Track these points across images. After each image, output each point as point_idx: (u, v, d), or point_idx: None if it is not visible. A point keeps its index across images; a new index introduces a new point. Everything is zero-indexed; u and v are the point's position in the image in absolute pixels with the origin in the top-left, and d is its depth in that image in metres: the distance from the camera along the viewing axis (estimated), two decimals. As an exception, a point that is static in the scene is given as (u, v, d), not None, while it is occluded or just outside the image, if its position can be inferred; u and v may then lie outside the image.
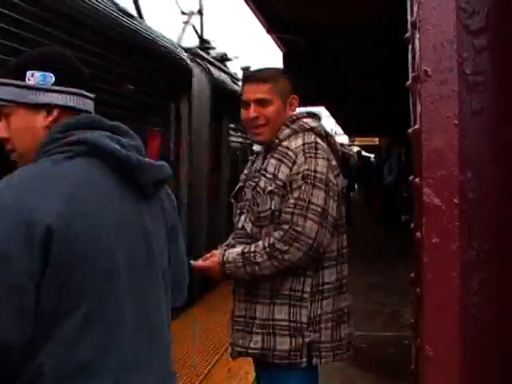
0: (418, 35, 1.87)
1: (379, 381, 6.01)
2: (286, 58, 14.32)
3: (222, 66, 13.16)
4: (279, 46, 15.31)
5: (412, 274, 2.11)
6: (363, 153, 43.73)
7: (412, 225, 2.06)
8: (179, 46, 10.26)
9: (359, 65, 16.56)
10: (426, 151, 1.85)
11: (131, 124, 2.45)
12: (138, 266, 2.09)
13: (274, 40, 14.67)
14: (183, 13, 15.95)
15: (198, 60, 10.60)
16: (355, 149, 50.99)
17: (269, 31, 13.30)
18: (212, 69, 11.17)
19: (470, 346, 1.85)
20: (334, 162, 3.22)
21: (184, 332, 7.62)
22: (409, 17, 2.04)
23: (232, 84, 12.76)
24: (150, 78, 7.96)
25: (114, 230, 2.01)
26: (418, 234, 1.93)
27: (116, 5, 7.19)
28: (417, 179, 1.92)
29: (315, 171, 3.04)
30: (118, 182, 2.09)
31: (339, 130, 54.24)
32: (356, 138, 55.83)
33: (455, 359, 1.85)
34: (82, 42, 5.95)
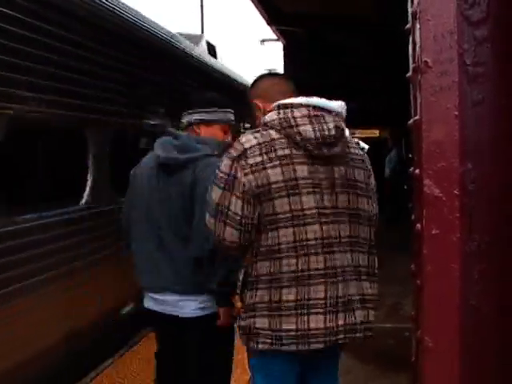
0: (418, 26, 1.86)
1: (378, 372, 6.02)
2: (286, 50, 14.31)
3: None
4: (280, 39, 15.30)
5: (412, 266, 2.11)
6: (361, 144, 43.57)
7: (412, 216, 2.06)
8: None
9: (359, 57, 16.54)
10: (426, 142, 1.84)
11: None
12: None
13: (274, 32, 14.65)
14: None
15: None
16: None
17: (269, 23, 13.29)
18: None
19: (470, 338, 1.85)
20: (279, 153, 3.19)
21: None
22: (409, 8, 2.03)
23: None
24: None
25: (147, 193, 3.96)
26: (418, 225, 1.93)
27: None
28: (417, 170, 1.91)
29: (219, 170, 3.19)
30: (158, 168, 3.93)
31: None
32: (356, 131, 55.69)
33: (455, 350, 1.86)
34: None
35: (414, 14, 1.89)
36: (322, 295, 3.19)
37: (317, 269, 3.18)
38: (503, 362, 1.85)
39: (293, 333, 3.18)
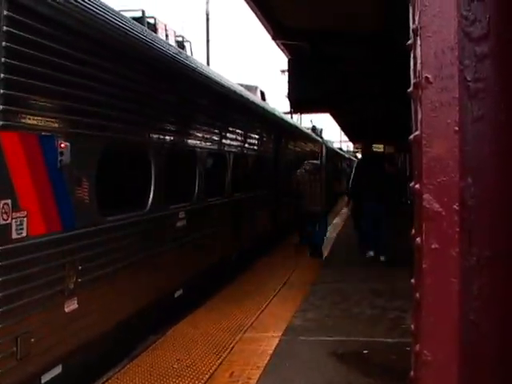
0: (419, 42, 1.87)
1: (380, 387, 6.01)
2: (291, 65, 14.36)
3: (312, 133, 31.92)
4: (284, 53, 15.36)
5: (412, 280, 2.11)
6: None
7: (412, 230, 2.06)
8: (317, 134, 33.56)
9: (363, 73, 16.59)
10: (426, 157, 1.85)
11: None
12: None
13: (279, 46, 14.71)
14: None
15: (321, 140, 32.94)
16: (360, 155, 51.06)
17: (274, 38, 13.35)
18: (324, 142, 34.46)
19: (469, 352, 1.85)
20: None
21: (185, 336, 7.65)
22: (411, 24, 2.05)
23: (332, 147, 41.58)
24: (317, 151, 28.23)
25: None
26: (418, 239, 1.94)
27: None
28: (417, 185, 1.92)
29: None
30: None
31: (344, 137, 54.32)
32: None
33: (454, 364, 1.86)
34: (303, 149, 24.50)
35: (415, 31, 1.90)
36: None
37: None
38: (501, 376, 1.85)
39: None
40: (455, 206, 1.83)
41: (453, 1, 1.83)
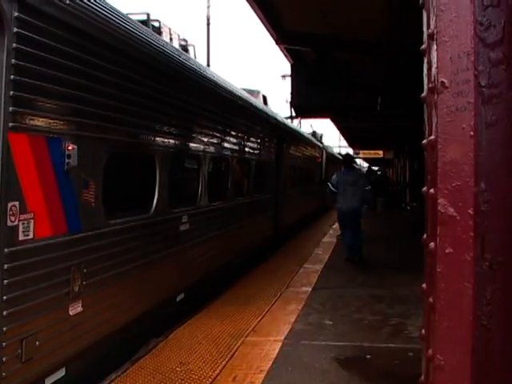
0: (435, 47, 1.88)
1: (383, 392, 6.01)
2: (294, 70, 14.35)
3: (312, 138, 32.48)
4: (287, 58, 15.36)
5: (423, 285, 2.11)
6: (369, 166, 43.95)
7: (424, 236, 2.07)
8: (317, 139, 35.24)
9: (366, 79, 16.61)
10: (441, 162, 1.86)
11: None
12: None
13: (283, 51, 14.71)
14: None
15: (321, 145, 34.88)
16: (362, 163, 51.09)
17: (277, 42, 13.35)
18: (325, 147, 36.67)
19: (482, 356, 1.86)
20: None
21: (188, 340, 7.64)
22: (425, 29, 2.05)
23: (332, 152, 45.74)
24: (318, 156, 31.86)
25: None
26: (432, 244, 1.94)
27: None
28: (431, 190, 1.93)
29: None
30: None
31: (344, 142, 54.37)
32: (360, 151, 55.91)
33: (467, 369, 1.86)
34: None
35: (431, 35, 1.91)
36: None
37: None
38: (515, 381, 1.85)
39: None
40: (470, 211, 1.83)
41: (469, 6, 1.84)
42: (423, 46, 2.06)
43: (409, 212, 29.53)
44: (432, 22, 1.90)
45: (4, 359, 4.86)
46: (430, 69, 1.96)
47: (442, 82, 1.85)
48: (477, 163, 1.83)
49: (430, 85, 1.92)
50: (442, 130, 1.85)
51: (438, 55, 1.86)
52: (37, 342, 5.24)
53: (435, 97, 1.87)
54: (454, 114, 1.84)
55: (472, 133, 1.82)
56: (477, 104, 1.83)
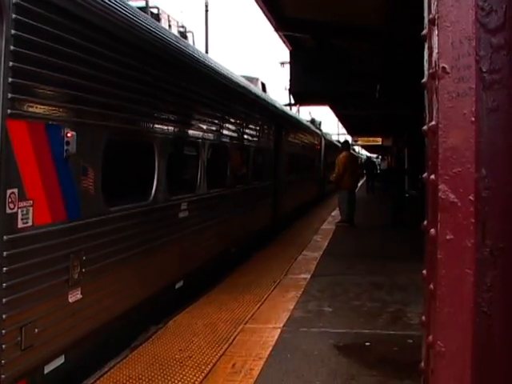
0: (436, 32, 1.87)
1: (382, 378, 6.01)
2: (293, 56, 14.31)
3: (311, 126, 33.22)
4: (286, 45, 15.32)
5: (424, 271, 2.11)
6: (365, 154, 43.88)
7: (424, 222, 2.06)
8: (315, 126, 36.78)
9: (364, 66, 16.57)
10: (442, 148, 1.85)
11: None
12: None
13: (281, 38, 14.68)
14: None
15: (320, 132, 35.67)
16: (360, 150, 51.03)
17: (276, 29, 13.31)
18: (323, 134, 37.59)
19: (482, 342, 1.85)
20: None
21: (187, 327, 7.66)
22: (426, 14, 2.03)
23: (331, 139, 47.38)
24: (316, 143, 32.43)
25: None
26: (433, 230, 1.93)
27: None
28: (432, 176, 1.92)
29: None
30: None
31: (343, 130, 54.38)
32: (359, 138, 55.95)
33: (467, 355, 1.86)
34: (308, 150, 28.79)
35: (432, 20, 1.89)
36: None
37: None
38: (515, 367, 1.85)
39: None
40: (471, 197, 1.82)
41: (470, -9, 1.82)
42: (424, 32, 2.04)
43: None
44: (433, 7, 1.89)
45: (4, 347, 4.87)
46: (430, 54, 1.95)
47: (443, 67, 1.83)
48: (478, 149, 1.82)
49: (431, 70, 1.91)
50: (443, 115, 1.84)
51: (439, 41, 1.85)
52: (36, 330, 5.25)
53: (436, 82, 1.86)
54: (455, 100, 1.83)
55: (473, 119, 1.81)
56: (478, 90, 1.82)
